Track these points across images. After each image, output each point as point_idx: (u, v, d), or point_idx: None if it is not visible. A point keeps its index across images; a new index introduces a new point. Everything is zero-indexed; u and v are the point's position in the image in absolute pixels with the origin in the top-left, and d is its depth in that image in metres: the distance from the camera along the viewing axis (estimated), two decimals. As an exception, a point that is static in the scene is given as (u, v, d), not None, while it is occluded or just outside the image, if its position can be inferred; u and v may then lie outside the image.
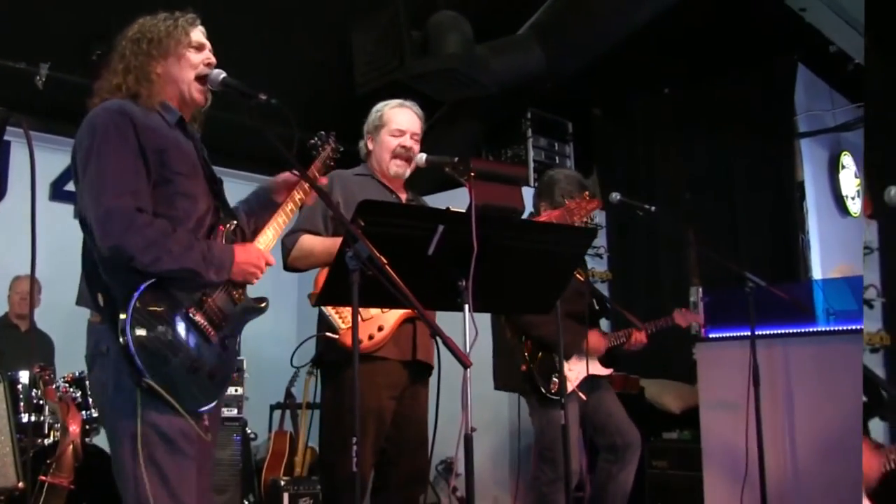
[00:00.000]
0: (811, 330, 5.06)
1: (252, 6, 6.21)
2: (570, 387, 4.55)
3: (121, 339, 2.41)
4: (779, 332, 5.11)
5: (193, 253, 2.56)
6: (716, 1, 6.30)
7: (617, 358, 4.98)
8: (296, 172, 2.86)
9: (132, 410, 2.42)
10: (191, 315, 2.58)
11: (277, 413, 7.12)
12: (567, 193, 4.51)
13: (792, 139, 7.20)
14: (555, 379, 4.52)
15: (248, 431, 6.77)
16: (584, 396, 4.60)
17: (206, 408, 2.59)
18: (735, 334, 5.31)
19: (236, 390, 6.68)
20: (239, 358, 6.82)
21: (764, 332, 4.94)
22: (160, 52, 2.74)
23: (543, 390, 4.51)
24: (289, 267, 3.66)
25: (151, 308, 2.49)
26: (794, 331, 5.09)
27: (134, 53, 2.73)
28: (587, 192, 4.28)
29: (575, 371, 4.65)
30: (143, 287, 2.49)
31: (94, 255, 2.57)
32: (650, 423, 6.56)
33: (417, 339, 3.61)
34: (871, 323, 4.42)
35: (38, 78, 6.26)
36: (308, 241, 3.59)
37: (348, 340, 3.39)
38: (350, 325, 3.38)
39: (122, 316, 2.43)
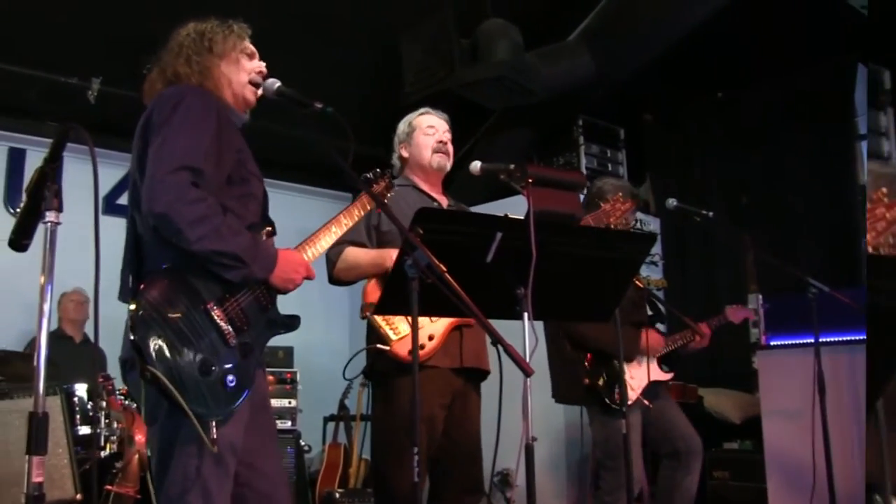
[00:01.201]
0: (878, 337, 4.91)
1: (300, 16, 6.22)
2: (634, 395, 4.53)
3: (130, 322, 2.31)
4: (843, 339, 4.96)
5: (242, 239, 2.48)
6: (770, 1, 6.19)
7: (677, 363, 4.91)
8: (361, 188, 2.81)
9: (180, 418, 2.35)
10: (209, 310, 2.45)
11: (331, 425, 7.11)
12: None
13: (853, 141, 7.03)
14: (617, 389, 4.46)
15: (302, 444, 6.78)
16: (649, 404, 4.55)
17: (215, 417, 2.37)
18: (798, 342, 5.17)
19: (290, 402, 6.70)
20: (292, 370, 6.84)
21: (828, 339, 4.81)
22: (218, 52, 2.76)
23: (608, 401, 4.45)
24: (334, 280, 3.63)
25: (166, 293, 2.39)
26: (860, 338, 4.94)
27: (194, 50, 2.73)
28: (620, 194, 4.22)
29: (637, 379, 4.59)
30: (159, 268, 2.43)
31: (135, 234, 2.55)
32: (710, 432, 6.44)
33: (464, 345, 3.56)
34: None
35: (89, 92, 6.34)
36: (353, 254, 3.57)
37: (399, 351, 3.39)
38: (400, 335, 3.38)
39: (132, 304, 2.35)
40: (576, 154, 7.73)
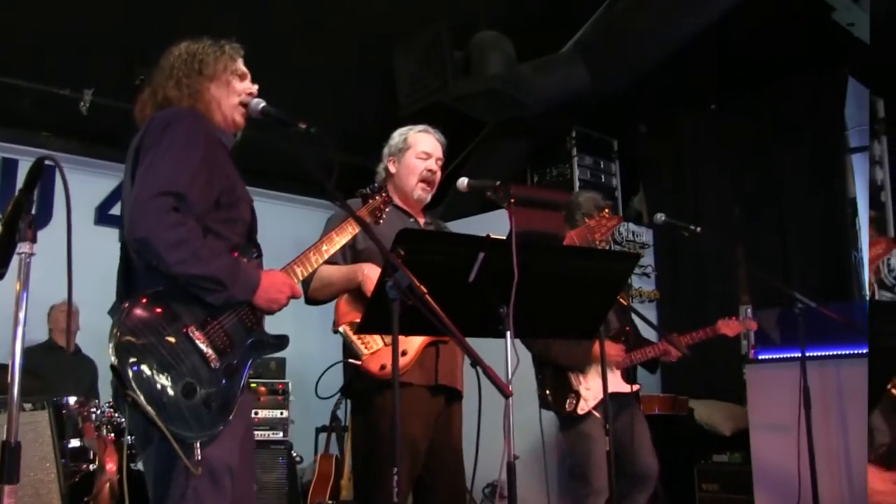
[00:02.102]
0: (865, 351, 4.94)
1: (296, 28, 6.25)
2: (587, 406, 4.53)
3: (109, 347, 2.34)
4: (831, 353, 4.99)
5: (222, 261, 2.51)
6: (762, 15, 6.22)
7: (655, 370, 4.93)
8: (338, 203, 2.81)
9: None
10: (189, 334, 2.47)
11: (323, 436, 7.10)
12: (587, 216, 4.48)
13: (842, 154, 7.07)
14: (570, 399, 4.52)
15: (294, 454, 6.77)
16: (599, 415, 4.50)
17: (199, 439, 2.40)
18: (785, 356, 5.20)
19: (281, 413, 6.69)
20: (284, 381, 6.83)
21: (815, 354, 4.83)
22: (208, 75, 2.77)
23: (559, 412, 4.54)
24: (310, 299, 3.60)
25: (145, 318, 2.41)
26: (847, 352, 4.97)
27: (185, 73, 2.75)
28: (607, 210, 4.24)
29: (593, 390, 4.56)
30: (143, 293, 2.45)
31: (127, 256, 2.57)
32: (700, 444, 6.47)
33: (440, 363, 3.54)
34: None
35: (82, 104, 6.35)
36: (326, 272, 3.52)
37: (370, 366, 3.37)
38: (372, 350, 3.36)
39: (113, 329, 2.37)
40: (569, 165, 7.76)
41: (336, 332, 3.53)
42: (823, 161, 7.12)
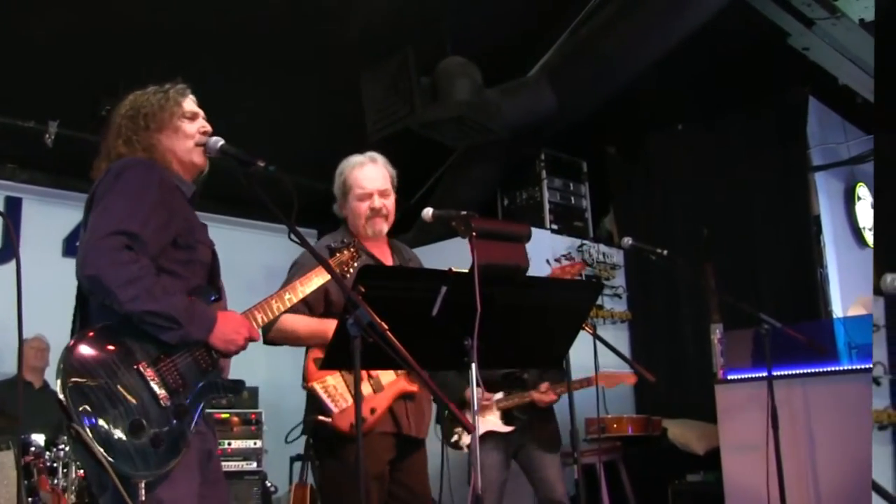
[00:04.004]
0: (832, 369, 4.99)
1: (263, 56, 6.24)
2: (465, 441, 4.70)
3: (57, 382, 2.34)
4: (798, 371, 5.04)
5: (176, 300, 2.51)
6: (725, 38, 6.30)
7: (638, 395, 4.95)
8: (292, 237, 2.79)
9: (129, 484, 2.35)
10: (140, 370, 2.46)
11: (298, 465, 7.06)
12: None
13: (806, 173, 7.16)
14: (457, 432, 4.75)
15: (268, 484, 6.72)
16: (465, 449, 4.70)
17: (143, 478, 2.38)
18: (753, 375, 5.24)
19: (255, 443, 6.66)
20: (257, 410, 6.80)
21: (783, 373, 4.88)
22: (156, 125, 2.78)
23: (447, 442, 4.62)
24: (267, 341, 3.53)
25: (95, 353, 2.41)
26: (815, 370, 5.02)
27: (132, 130, 2.76)
28: (568, 253, 4.32)
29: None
30: (91, 327, 2.46)
31: (84, 294, 2.59)
32: (674, 464, 6.48)
33: (410, 416, 3.55)
34: (879, 400, 4.40)
35: (46, 136, 6.31)
36: (289, 321, 3.46)
37: (340, 423, 3.36)
38: (342, 408, 3.35)
39: (60, 363, 2.36)
40: (539, 188, 7.78)
41: (305, 388, 3.50)
42: (788, 180, 7.21)
